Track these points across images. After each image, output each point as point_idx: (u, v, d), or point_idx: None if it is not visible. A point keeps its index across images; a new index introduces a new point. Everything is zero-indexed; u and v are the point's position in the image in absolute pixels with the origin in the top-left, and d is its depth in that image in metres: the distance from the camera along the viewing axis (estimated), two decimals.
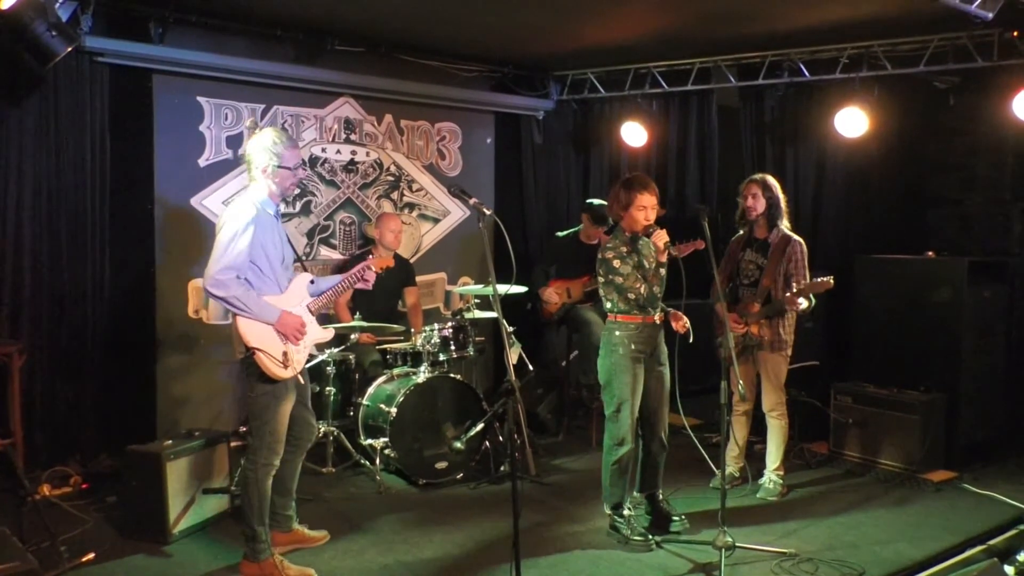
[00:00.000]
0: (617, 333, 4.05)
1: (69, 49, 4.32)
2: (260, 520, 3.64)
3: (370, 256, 4.04)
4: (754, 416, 4.94)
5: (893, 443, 5.13)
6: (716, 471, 4.43)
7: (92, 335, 5.02)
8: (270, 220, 3.65)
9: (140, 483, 4.07)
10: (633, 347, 4.02)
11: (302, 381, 3.80)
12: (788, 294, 4.49)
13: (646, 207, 4.02)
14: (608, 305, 4.12)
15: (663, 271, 4.10)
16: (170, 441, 4.19)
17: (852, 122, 5.64)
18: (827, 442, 5.47)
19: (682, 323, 4.05)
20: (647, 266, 4.05)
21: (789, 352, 4.74)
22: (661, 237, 3.99)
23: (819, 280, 4.46)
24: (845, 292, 5.62)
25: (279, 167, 3.64)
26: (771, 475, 4.80)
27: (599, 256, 4.13)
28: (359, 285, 3.96)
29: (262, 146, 3.63)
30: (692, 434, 4.38)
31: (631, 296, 4.01)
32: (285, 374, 3.61)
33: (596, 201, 6.16)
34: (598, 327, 5.82)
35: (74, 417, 4.96)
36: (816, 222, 6.20)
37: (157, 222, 5.33)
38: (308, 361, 3.92)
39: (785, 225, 4.77)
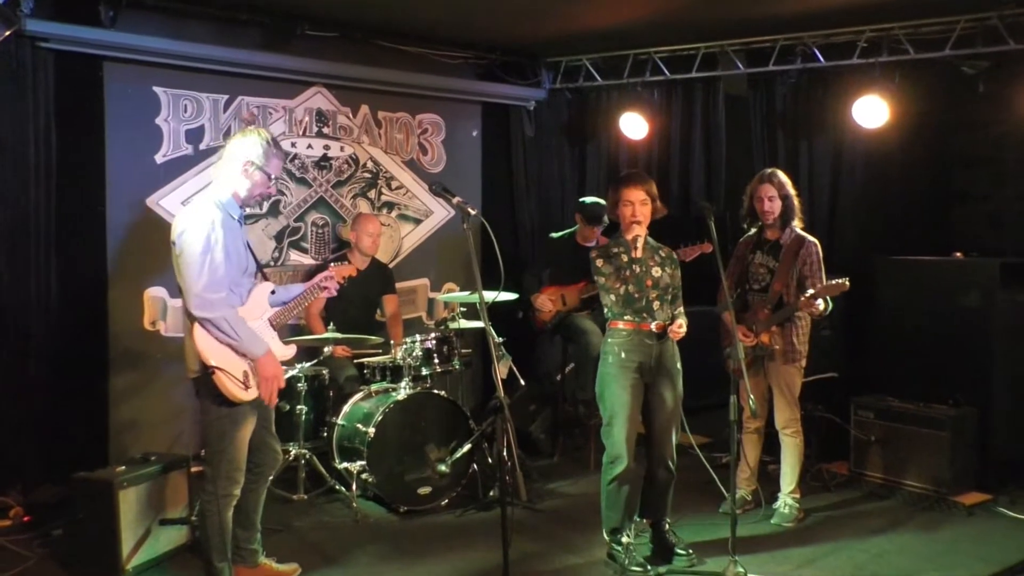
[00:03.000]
0: (609, 341, 4.13)
1: (8, 33, 4.28)
2: (221, 556, 3.60)
3: (333, 265, 4.00)
4: (767, 434, 4.91)
5: (920, 462, 5.10)
6: (726, 495, 4.39)
7: (36, 350, 4.95)
8: (233, 224, 3.62)
9: (89, 514, 4.02)
10: (624, 355, 4.05)
11: (271, 402, 3.73)
12: (804, 297, 4.47)
13: (632, 202, 4.09)
14: (604, 311, 4.18)
15: (656, 273, 4.10)
16: (123, 467, 4.14)
17: (871, 112, 5.62)
18: (847, 462, 5.44)
19: (675, 325, 4.05)
20: (623, 265, 4.07)
21: (804, 363, 4.71)
22: (631, 232, 4.07)
23: (833, 282, 4.44)
24: (865, 297, 5.60)
25: (260, 169, 3.62)
26: (786, 499, 4.78)
27: (590, 258, 4.19)
28: (322, 295, 3.95)
29: (252, 142, 3.62)
30: (700, 454, 4.35)
31: (612, 297, 4.07)
32: (246, 396, 3.57)
33: (589, 199, 6.13)
34: (596, 337, 5.80)
35: (15, 442, 4.88)
36: (832, 221, 6.19)
37: (109, 225, 5.26)
38: None
39: (798, 225, 4.76)
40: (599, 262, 4.13)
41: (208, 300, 3.42)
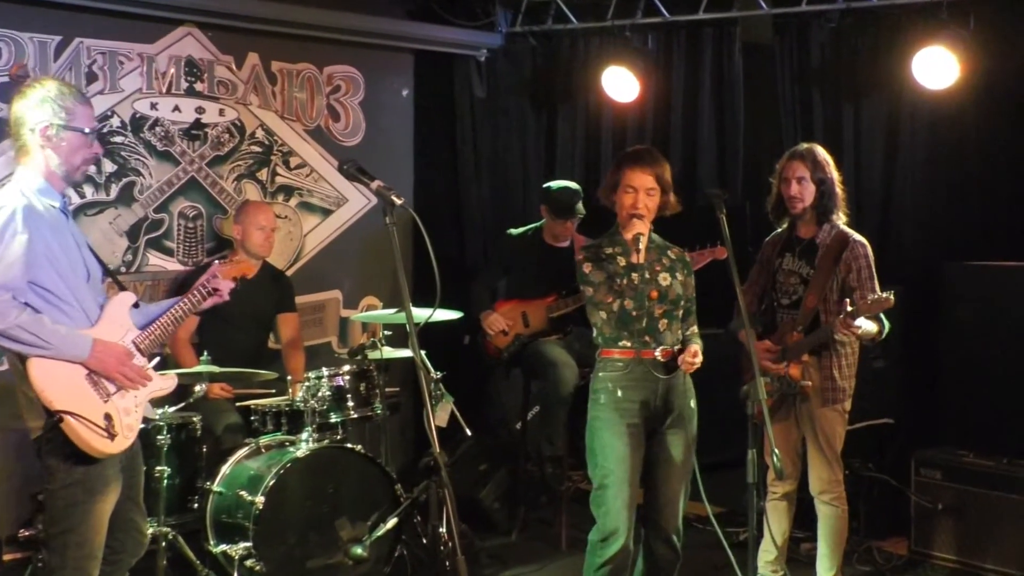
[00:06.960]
0: (600, 375, 4.18)
1: None
2: None
3: (219, 263, 3.98)
4: (800, 500, 4.95)
5: (1004, 539, 5.17)
6: None
7: None
8: (55, 217, 3.60)
9: None
10: (620, 394, 4.09)
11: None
12: (841, 315, 4.50)
13: (636, 189, 4.14)
14: (593, 333, 4.23)
15: (664, 281, 4.16)
16: None
17: (937, 68, 5.69)
18: (906, 538, 5.51)
19: (689, 353, 4.09)
20: (619, 272, 4.13)
21: (848, 405, 4.75)
22: (630, 229, 4.12)
23: (874, 297, 4.47)
24: (930, 316, 5.66)
25: (67, 127, 3.59)
26: None
27: (576, 261, 4.25)
28: (210, 302, 3.93)
29: (38, 99, 3.59)
30: (718, 528, 4.35)
31: (603, 315, 4.13)
32: (110, 448, 3.55)
33: (556, 184, 6.13)
34: (569, 370, 5.81)
35: None
36: (886, 213, 6.26)
37: None
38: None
39: (842, 219, 4.81)
40: (586, 267, 4.17)
41: None
